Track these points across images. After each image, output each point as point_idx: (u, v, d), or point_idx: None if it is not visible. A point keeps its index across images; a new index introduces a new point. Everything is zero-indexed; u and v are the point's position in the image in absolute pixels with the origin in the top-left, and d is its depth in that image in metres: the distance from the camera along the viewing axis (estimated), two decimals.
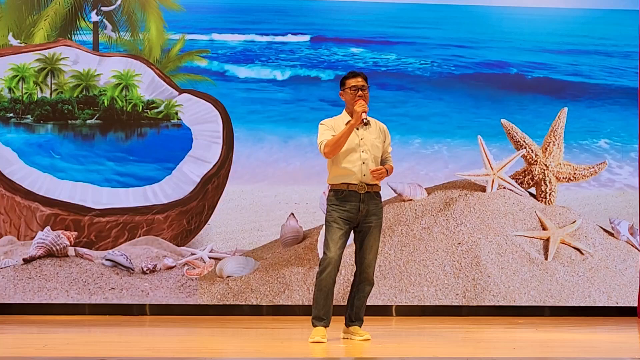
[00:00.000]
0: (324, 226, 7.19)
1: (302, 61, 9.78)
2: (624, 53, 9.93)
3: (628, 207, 9.75)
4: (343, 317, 7.19)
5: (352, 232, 7.10)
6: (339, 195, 7.02)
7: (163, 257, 9.40)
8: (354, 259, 7.17)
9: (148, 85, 9.62)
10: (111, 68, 9.60)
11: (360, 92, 7.02)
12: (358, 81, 7.05)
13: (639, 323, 8.98)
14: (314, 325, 6.98)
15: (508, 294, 9.27)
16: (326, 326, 6.99)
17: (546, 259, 9.39)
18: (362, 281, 7.10)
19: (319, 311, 6.98)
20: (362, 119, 6.93)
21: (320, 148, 7.01)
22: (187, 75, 9.69)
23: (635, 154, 9.78)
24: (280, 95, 9.73)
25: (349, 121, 7.01)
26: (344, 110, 7.15)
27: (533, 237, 9.46)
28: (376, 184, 7.05)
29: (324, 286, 6.95)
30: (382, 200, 7.17)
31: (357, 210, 7.00)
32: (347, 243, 7.13)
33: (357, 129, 7.04)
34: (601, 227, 9.68)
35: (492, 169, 9.53)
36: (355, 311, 7.14)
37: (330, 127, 7.04)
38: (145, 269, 9.34)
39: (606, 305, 9.41)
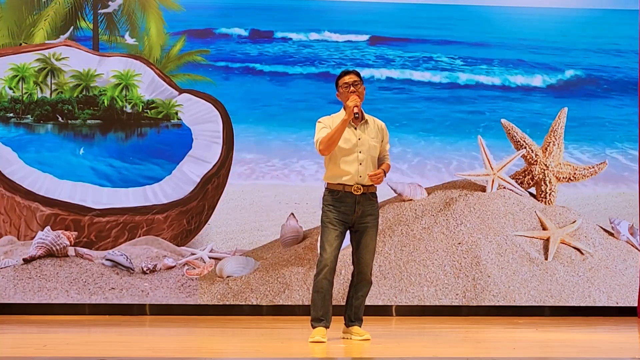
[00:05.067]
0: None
1: (302, 60, 9.78)
2: (624, 53, 9.93)
3: (628, 207, 9.75)
4: (343, 317, 7.19)
5: (348, 232, 7.11)
6: (334, 195, 7.02)
7: (163, 257, 9.40)
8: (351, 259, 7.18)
9: (148, 85, 9.63)
10: (111, 68, 9.60)
11: (352, 88, 7.03)
12: (349, 77, 7.06)
13: (639, 323, 8.98)
14: (313, 327, 6.98)
15: (508, 294, 9.27)
16: (326, 327, 6.99)
17: (546, 259, 9.39)
18: (360, 281, 7.10)
19: (317, 312, 6.97)
20: (354, 113, 6.94)
21: (316, 146, 7.03)
22: (187, 75, 9.69)
23: (635, 153, 9.78)
24: (281, 94, 9.73)
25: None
26: (342, 108, 7.15)
27: (533, 237, 9.46)
28: (372, 185, 7.04)
29: (321, 288, 6.94)
30: (383, 200, 7.17)
31: (352, 211, 7.00)
32: (346, 243, 7.14)
33: (355, 128, 7.05)
34: (601, 227, 9.68)
35: (492, 169, 9.53)
36: (355, 311, 7.14)
37: (328, 125, 7.05)
38: (145, 269, 9.35)
39: (606, 305, 9.41)
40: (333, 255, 6.93)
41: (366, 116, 7.12)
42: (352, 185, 6.99)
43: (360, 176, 7.00)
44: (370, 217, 7.05)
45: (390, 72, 9.84)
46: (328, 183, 7.09)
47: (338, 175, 7.02)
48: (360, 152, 7.01)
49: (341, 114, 7.10)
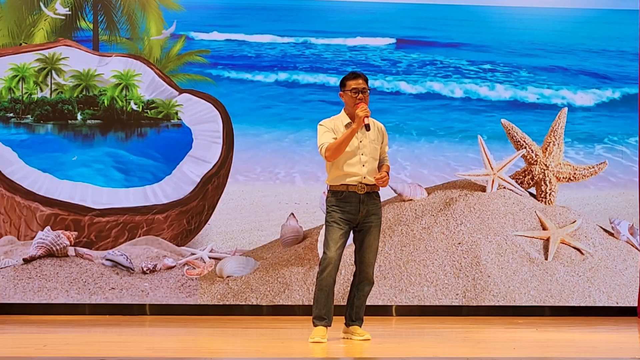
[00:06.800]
0: (324, 226, 7.19)
1: (302, 60, 9.78)
2: (624, 53, 9.93)
3: (628, 207, 9.75)
4: (343, 317, 7.20)
5: (351, 231, 7.11)
6: (339, 196, 7.02)
7: (163, 257, 9.40)
8: (353, 259, 7.18)
9: (148, 85, 9.63)
10: (111, 68, 9.60)
11: (360, 95, 7.00)
12: (359, 83, 7.02)
13: (639, 323, 8.98)
14: (315, 325, 6.99)
15: (508, 294, 9.27)
16: (328, 325, 7.00)
17: (546, 259, 9.39)
18: (362, 281, 7.11)
19: (319, 311, 6.98)
20: (365, 125, 6.92)
21: (321, 151, 7.00)
22: (187, 75, 9.69)
23: (635, 153, 9.79)
24: (281, 94, 9.73)
25: (348, 123, 7.01)
26: (343, 110, 7.14)
27: (533, 237, 9.46)
28: (375, 184, 7.04)
29: (325, 286, 6.95)
30: (383, 200, 7.17)
31: (357, 211, 7.01)
32: (347, 243, 7.14)
33: (358, 132, 7.03)
34: (601, 227, 9.68)
35: (492, 169, 9.53)
36: (356, 311, 7.15)
37: (330, 128, 7.04)
38: (145, 269, 9.35)
39: (606, 305, 9.41)
40: (337, 254, 6.95)
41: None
42: (356, 185, 7.00)
43: (365, 177, 7.01)
44: (374, 217, 7.06)
45: (394, 74, 9.84)
46: (331, 185, 7.08)
47: (342, 176, 7.02)
48: (362, 154, 7.01)
49: (342, 117, 7.09)
